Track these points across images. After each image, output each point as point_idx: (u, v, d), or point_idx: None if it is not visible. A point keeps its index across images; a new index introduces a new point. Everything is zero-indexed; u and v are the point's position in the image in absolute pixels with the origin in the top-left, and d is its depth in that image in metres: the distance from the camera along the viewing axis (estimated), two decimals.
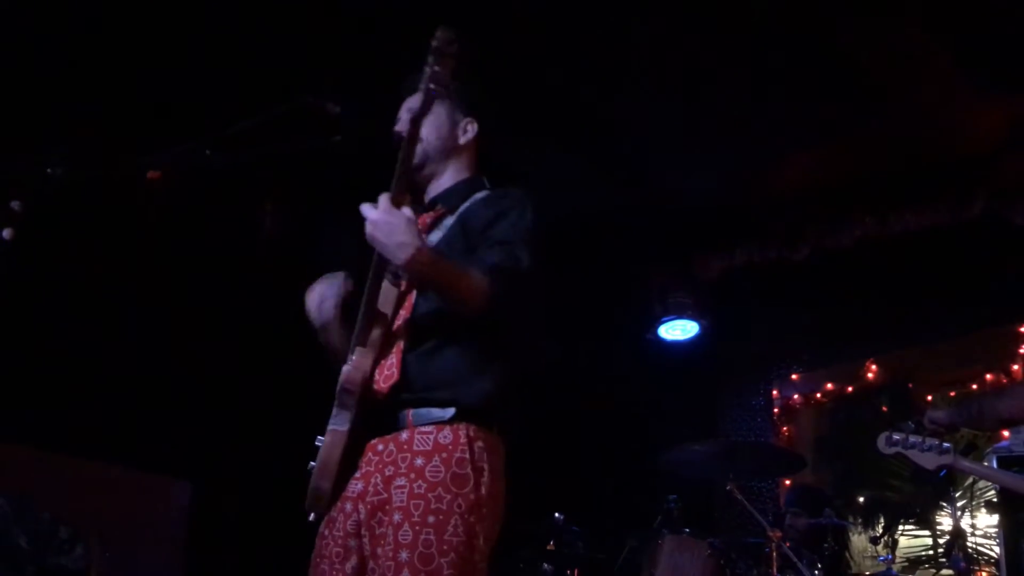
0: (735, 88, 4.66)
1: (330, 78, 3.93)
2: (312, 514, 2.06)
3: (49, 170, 1.86)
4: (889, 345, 5.54)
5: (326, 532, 2.06)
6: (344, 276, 2.21)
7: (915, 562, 5.18)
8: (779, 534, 3.85)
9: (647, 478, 4.48)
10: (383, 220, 1.92)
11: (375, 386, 2.03)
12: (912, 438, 3.03)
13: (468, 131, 2.33)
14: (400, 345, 2.06)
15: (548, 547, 4.26)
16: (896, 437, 3.05)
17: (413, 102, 2.20)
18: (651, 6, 4.14)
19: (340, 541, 2.01)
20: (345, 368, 2.00)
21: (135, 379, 4.50)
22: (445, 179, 2.31)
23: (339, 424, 2.01)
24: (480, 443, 2.01)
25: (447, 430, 2.00)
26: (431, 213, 2.26)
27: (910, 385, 5.51)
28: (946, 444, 3.02)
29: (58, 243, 3.68)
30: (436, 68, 2.04)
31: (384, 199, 1.96)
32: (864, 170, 5.22)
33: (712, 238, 5.79)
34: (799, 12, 4.17)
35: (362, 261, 2.45)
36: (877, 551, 4.83)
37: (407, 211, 1.97)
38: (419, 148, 2.20)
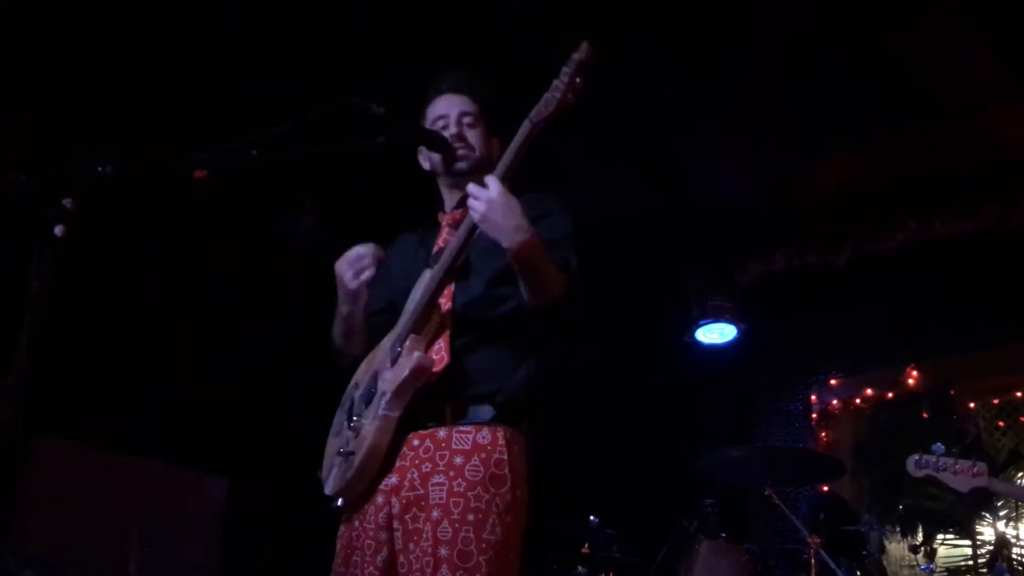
0: (775, 90, 4.62)
1: (375, 80, 3.95)
2: (340, 500, 2.10)
3: (99, 168, 1.88)
4: (931, 351, 5.46)
5: (357, 523, 2.09)
6: (375, 245, 2.21)
7: (954, 572, 5.09)
8: (818, 540, 3.79)
9: (684, 482, 4.44)
10: (501, 201, 1.95)
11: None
12: (943, 460, 2.93)
13: (495, 150, 2.35)
14: (447, 332, 2.09)
15: (583, 550, 4.25)
16: (926, 459, 2.96)
17: (463, 106, 2.27)
18: (689, 11, 4.11)
19: (372, 534, 2.04)
20: (417, 355, 2.03)
21: (174, 376, 4.56)
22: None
23: (391, 410, 2.04)
24: (516, 446, 2.06)
25: (485, 430, 2.04)
26: (461, 210, 2.26)
27: (952, 392, 5.42)
28: (979, 464, 2.91)
29: (106, 240, 3.72)
30: (577, 80, 1.99)
31: (495, 180, 1.97)
32: (907, 173, 5.16)
33: (751, 242, 5.74)
34: (840, 13, 4.12)
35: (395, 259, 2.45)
36: (916, 560, 4.76)
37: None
38: (473, 156, 2.26)
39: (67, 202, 1.84)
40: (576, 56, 1.99)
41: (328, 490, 2.14)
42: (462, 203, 2.29)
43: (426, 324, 2.09)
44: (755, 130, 4.92)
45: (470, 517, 1.94)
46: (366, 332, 2.27)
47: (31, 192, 1.87)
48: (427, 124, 2.32)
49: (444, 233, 2.28)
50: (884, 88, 4.58)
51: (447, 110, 2.32)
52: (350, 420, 2.15)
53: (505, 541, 1.96)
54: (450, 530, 1.93)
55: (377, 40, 4.16)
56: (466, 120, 2.31)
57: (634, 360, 5.76)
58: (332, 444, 2.22)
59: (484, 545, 1.93)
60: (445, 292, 2.13)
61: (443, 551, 1.91)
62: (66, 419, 4.05)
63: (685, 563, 3.98)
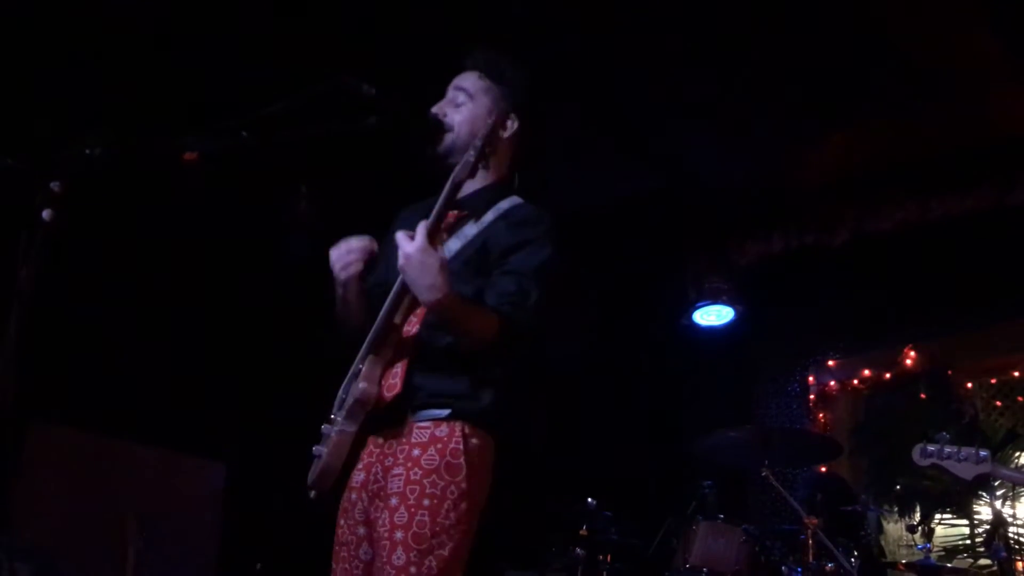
0: (771, 70, 4.59)
1: (365, 59, 3.92)
2: (312, 492, 2.16)
3: (87, 151, 1.87)
4: (928, 331, 5.44)
5: (342, 521, 2.18)
6: (370, 238, 2.23)
7: (951, 551, 5.10)
8: (815, 521, 3.79)
9: (681, 464, 4.45)
10: (417, 258, 1.95)
11: (380, 393, 2.10)
12: (947, 448, 2.96)
13: (507, 127, 2.30)
14: (406, 359, 2.11)
15: (580, 532, 4.25)
16: (931, 448, 2.99)
17: (464, 81, 2.25)
18: None
19: (351, 529, 2.14)
20: (361, 385, 2.07)
21: (170, 362, 4.55)
22: (475, 179, 2.21)
23: (348, 427, 2.11)
24: (475, 440, 2.10)
25: (444, 425, 2.09)
26: (454, 213, 2.22)
27: (949, 372, 5.41)
28: (983, 452, 2.94)
29: (96, 224, 3.71)
30: (486, 150, 2.02)
31: (422, 236, 1.96)
32: (905, 153, 5.13)
33: (748, 223, 5.72)
34: None
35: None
36: (914, 540, 4.76)
37: (442, 253, 2.00)
38: (448, 137, 2.22)
39: (55, 186, 1.83)
40: (490, 122, 2.06)
41: (308, 480, 2.19)
42: (455, 206, 2.23)
43: (385, 346, 2.11)
44: (752, 111, 4.89)
45: (425, 502, 2.00)
46: (363, 308, 2.27)
47: (19, 176, 1.85)
48: None
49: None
50: (881, 67, 4.55)
51: (452, 87, 2.31)
52: (331, 416, 2.20)
53: (458, 525, 2.02)
54: (406, 515, 2.00)
55: (375, 24, 4.13)
56: (460, 98, 2.28)
57: (631, 343, 5.76)
58: (323, 429, 2.24)
59: (438, 528, 1.99)
60: (416, 314, 2.13)
61: (399, 534, 1.98)
62: (63, 405, 4.04)
63: (683, 544, 3.98)
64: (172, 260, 4.59)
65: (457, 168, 2.01)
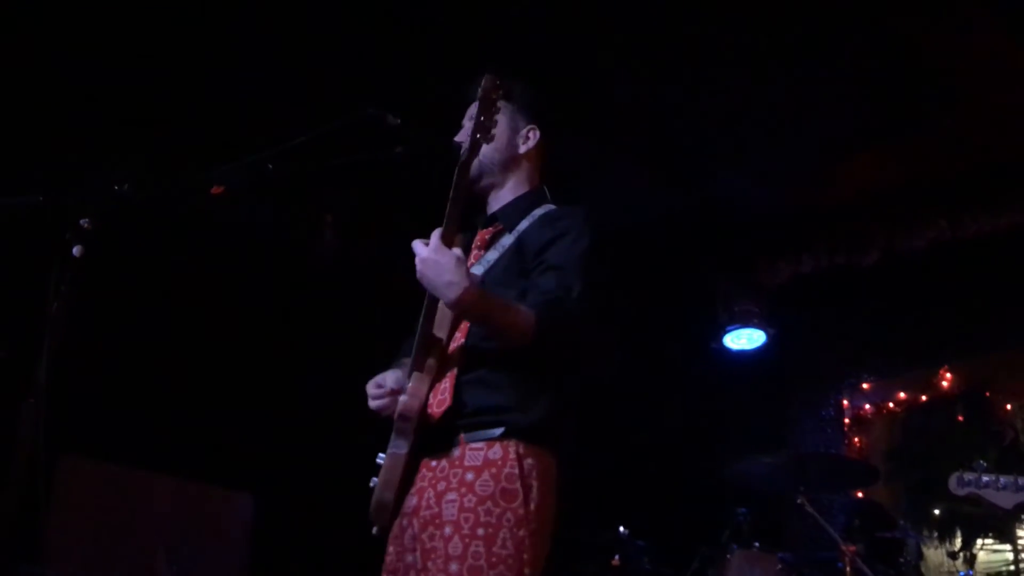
0: (800, 88, 4.56)
1: (390, 90, 3.95)
2: (376, 527, 2.11)
3: (116, 187, 1.88)
4: (965, 352, 5.35)
5: (391, 549, 2.12)
6: (397, 377, 2.19)
7: None
8: (852, 548, 3.72)
9: (715, 491, 4.38)
10: (432, 259, 1.96)
11: (429, 411, 2.06)
12: (985, 477, 2.89)
13: (530, 139, 2.33)
14: (454, 371, 2.08)
15: (613, 562, 4.20)
16: (968, 477, 2.92)
17: (475, 109, 2.21)
18: (713, 10, 4.07)
19: (400, 556, 2.07)
20: (402, 398, 2.04)
21: (199, 393, 4.56)
22: (505, 192, 2.31)
23: (398, 448, 2.06)
24: (530, 460, 2.03)
25: (497, 446, 2.02)
26: (490, 228, 2.26)
27: (987, 394, 5.31)
28: (1022, 480, 2.87)
29: (126, 257, 3.74)
30: (482, 118, 2.10)
31: (436, 237, 1.98)
32: (937, 171, 5.07)
33: (778, 244, 5.68)
34: (867, 9, 4.06)
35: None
36: (955, 566, 4.66)
37: (456, 250, 1.99)
38: (475, 161, 2.20)
39: (85, 222, 1.85)
40: (479, 92, 2.09)
41: (370, 516, 2.16)
42: (490, 222, 2.29)
43: (429, 360, 2.08)
44: (780, 130, 4.85)
45: (480, 531, 1.94)
46: None
47: (49, 213, 1.87)
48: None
49: (472, 255, 2.27)
50: (909, 84, 4.51)
51: (467, 119, 2.30)
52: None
53: (517, 555, 1.94)
54: (460, 546, 1.93)
55: (391, 49, 4.16)
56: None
57: (661, 367, 5.71)
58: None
59: (495, 559, 1.91)
60: (461, 327, 2.12)
61: (454, 567, 1.91)
62: (93, 438, 4.06)
63: (718, 573, 3.92)
64: (201, 293, 4.63)
65: (463, 148, 2.06)
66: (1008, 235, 5.08)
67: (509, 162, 2.30)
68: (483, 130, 2.10)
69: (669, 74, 4.47)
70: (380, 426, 2.30)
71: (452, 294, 1.94)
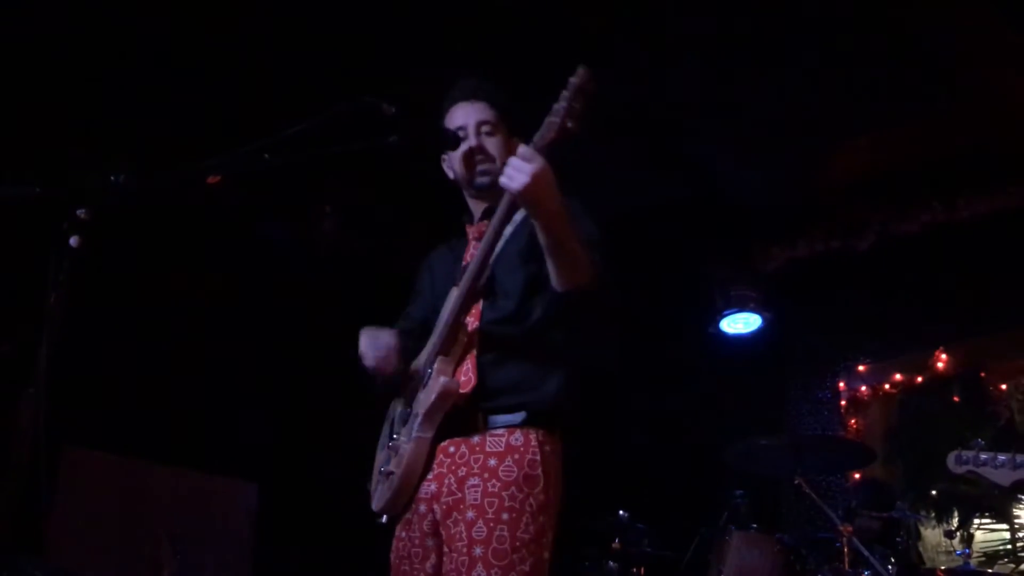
0: (795, 72, 4.56)
1: (385, 80, 3.94)
2: (384, 517, 2.15)
3: (113, 178, 1.88)
4: (960, 333, 5.37)
5: (403, 534, 2.14)
6: (393, 333, 2.21)
7: (992, 557, 5.01)
8: (850, 529, 3.75)
9: (713, 474, 4.40)
10: (546, 169, 1.91)
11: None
12: (983, 455, 2.90)
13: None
14: (473, 352, 2.11)
15: (613, 545, 4.23)
16: (966, 455, 2.93)
17: (481, 114, 2.25)
18: (708, 3, 4.07)
19: (418, 541, 2.10)
20: (442, 379, 2.07)
21: (202, 383, 4.58)
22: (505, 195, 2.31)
23: (424, 432, 2.09)
24: (548, 447, 2.09)
25: (518, 433, 2.07)
26: (485, 221, 2.27)
27: (983, 374, 5.33)
28: (1020, 457, 2.89)
29: (124, 249, 3.75)
30: (576, 104, 1.99)
31: (532, 151, 1.93)
32: (931, 154, 5.08)
33: (773, 228, 5.69)
34: None
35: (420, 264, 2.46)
36: (952, 546, 4.69)
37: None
38: (495, 168, 2.21)
39: (82, 213, 1.85)
40: (574, 81, 1.99)
41: (374, 506, 2.19)
42: (487, 215, 2.31)
43: (453, 344, 2.12)
44: (775, 115, 4.86)
45: (504, 516, 1.98)
46: (402, 368, 2.27)
47: (46, 203, 1.88)
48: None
49: (471, 247, 2.30)
50: (902, 68, 4.51)
51: (464, 120, 2.31)
52: (391, 437, 2.21)
53: (538, 540, 1.99)
54: (485, 529, 1.97)
55: (387, 40, 4.16)
56: (485, 129, 2.29)
57: (659, 353, 5.73)
58: (378, 458, 2.27)
59: (518, 543, 1.96)
60: (473, 311, 2.15)
61: (478, 550, 1.95)
62: (95, 429, 4.07)
63: (717, 555, 3.94)
64: (203, 285, 4.64)
65: (541, 130, 1.98)
66: (1001, 217, 5.09)
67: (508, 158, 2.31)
68: (574, 117, 1.99)
69: (664, 60, 4.47)
70: (381, 418, 2.32)
71: (555, 205, 1.93)
